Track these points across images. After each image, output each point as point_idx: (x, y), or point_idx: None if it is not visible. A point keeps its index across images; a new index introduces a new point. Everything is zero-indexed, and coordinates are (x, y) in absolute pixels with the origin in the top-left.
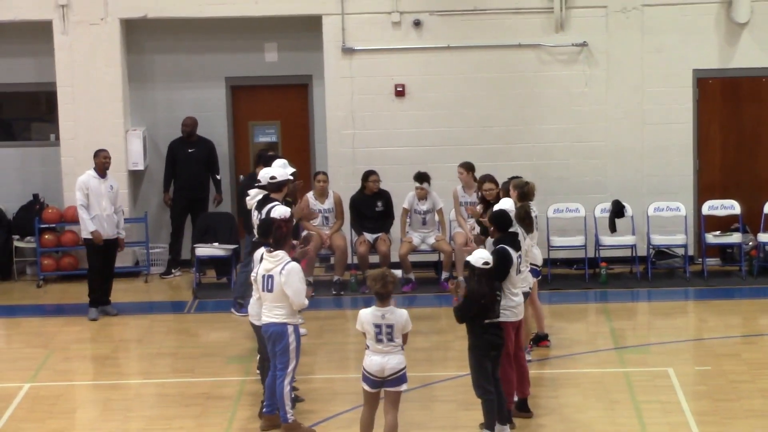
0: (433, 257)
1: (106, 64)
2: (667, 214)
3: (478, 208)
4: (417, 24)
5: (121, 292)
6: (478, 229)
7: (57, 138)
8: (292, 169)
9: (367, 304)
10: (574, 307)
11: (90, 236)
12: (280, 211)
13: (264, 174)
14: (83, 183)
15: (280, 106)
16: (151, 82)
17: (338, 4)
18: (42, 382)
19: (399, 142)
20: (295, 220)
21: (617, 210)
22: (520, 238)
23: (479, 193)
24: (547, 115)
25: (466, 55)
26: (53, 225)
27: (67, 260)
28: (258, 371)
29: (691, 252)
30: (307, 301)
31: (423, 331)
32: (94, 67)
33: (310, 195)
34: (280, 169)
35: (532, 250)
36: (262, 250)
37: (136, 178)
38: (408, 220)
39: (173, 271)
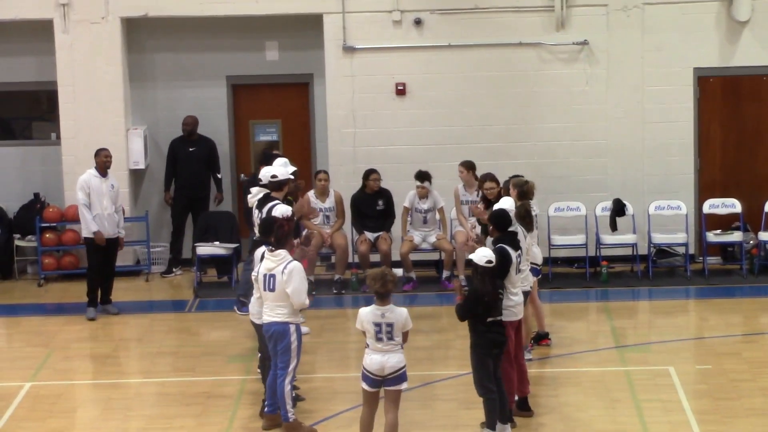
0: (434, 256)
1: (106, 62)
2: (668, 212)
3: (480, 206)
4: (418, 23)
5: (122, 291)
6: (479, 228)
7: (58, 137)
8: (293, 168)
9: (368, 303)
10: (575, 305)
11: (91, 235)
12: (281, 209)
13: (265, 172)
14: (84, 182)
15: (281, 104)
16: (151, 81)
17: (339, 2)
18: (42, 381)
19: (400, 140)
20: (295, 218)
21: (618, 208)
22: (520, 236)
23: (480, 192)
24: (548, 114)
25: (466, 54)
26: (54, 224)
27: (68, 259)
28: (259, 370)
29: (692, 250)
30: (307, 301)
31: (424, 330)
32: (94, 66)
33: (311, 194)
34: (282, 168)
35: (532, 249)
36: (262, 248)
37: (136, 177)
38: (409, 218)
39: (174, 270)
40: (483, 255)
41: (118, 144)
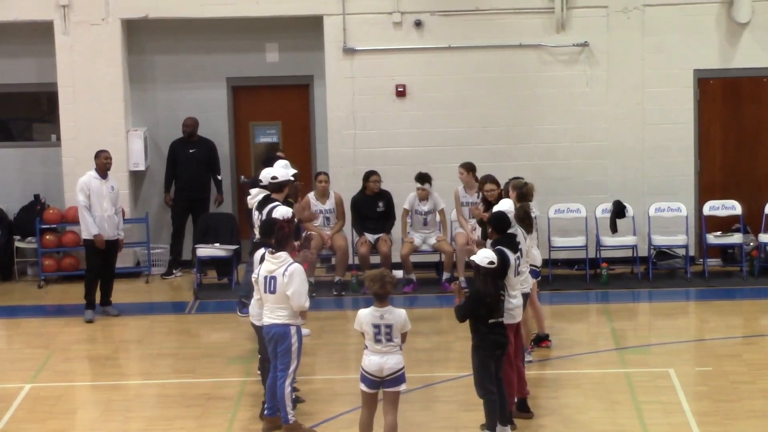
0: (434, 258)
1: (107, 64)
2: (668, 214)
3: (480, 207)
4: (418, 24)
5: (122, 292)
6: (479, 229)
7: (58, 138)
8: (294, 171)
9: (368, 305)
10: (575, 307)
11: (90, 237)
12: (281, 211)
13: (265, 174)
14: (84, 184)
15: (281, 106)
16: (152, 83)
17: (339, 4)
18: (42, 382)
19: (400, 142)
20: (295, 220)
21: (618, 210)
22: (520, 238)
23: (480, 194)
24: (548, 116)
25: (467, 56)
26: (54, 225)
27: (68, 261)
28: (259, 372)
29: (692, 252)
30: (307, 304)
31: (424, 332)
32: (95, 67)
33: (311, 195)
34: (282, 170)
35: (531, 251)
36: (262, 250)
37: (137, 178)
38: (409, 220)
39: (174, 271)
40: (485, 256)
41: (118, 145)
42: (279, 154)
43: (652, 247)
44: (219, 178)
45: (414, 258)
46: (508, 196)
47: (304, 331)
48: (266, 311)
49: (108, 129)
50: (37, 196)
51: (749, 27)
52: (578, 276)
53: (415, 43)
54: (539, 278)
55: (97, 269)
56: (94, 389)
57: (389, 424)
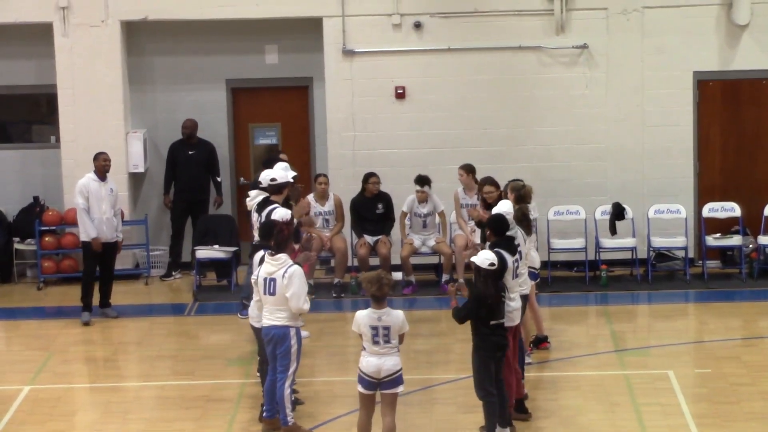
0: (434, 260)
1: (106, 66)
2: (668, 216)
3: (479, 209)
4: (417, 26)
5: (121, 294)
6: (478, 231)
7: (57, 140)
8: (294, 173)
9: (367, 307)
10: (575, 309)
11: (88, 240)
12: (281, 213)
13: (265, 176)
14: (83, 186)
15: (281, 108)
16: (151, 84)
17: (339, 6)
18: (42, 384)
19: (399, 144)
20: (294, 222)
21: (618, 212)
22: (519, 240)
23: (479, 196)
24: (548, 117)
25: (466, 57)
26: (53, 227)
27: (68, 263)
28: (258, 374)
29: (691, 254)
30: (306, 306)
31: (423, 334)
32: (94, 69)
33: (310, 197)
34: (282, 172)
35: (530, 253)
36: (261, 252)
37: (136, 180)
38: (408, 222)
39: (173, 273)
40: (485, 257)
41: (117, 147)
42: (281, 156)
43: (651, 249)
44: (218, 179)
45: (413, 260)
46: (507, 198)
47: (304, 333)
48: (266, 313)
49: (107, 131)
50: (36, 198)
51: (749, 29)
52: (577, 278)
53: (414, 44)
54: (538, 280)
55: (93, 272)
56: (93, 391)
57: (387, 425)
